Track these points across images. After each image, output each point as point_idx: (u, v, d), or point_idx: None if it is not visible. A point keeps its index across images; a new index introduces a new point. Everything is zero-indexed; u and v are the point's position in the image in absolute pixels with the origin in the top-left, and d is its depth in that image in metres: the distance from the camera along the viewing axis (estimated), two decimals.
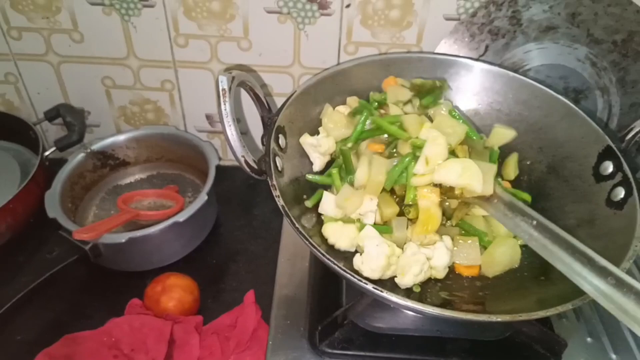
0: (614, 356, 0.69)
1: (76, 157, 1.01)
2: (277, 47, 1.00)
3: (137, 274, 0.92)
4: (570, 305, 0.52)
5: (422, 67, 0.83)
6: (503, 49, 0.92)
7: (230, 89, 0.59)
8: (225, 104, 0.57)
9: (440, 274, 0.66)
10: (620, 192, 0.65)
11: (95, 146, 1.04)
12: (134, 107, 1.12)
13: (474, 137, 0.73)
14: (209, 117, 1.13)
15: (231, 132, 0.58)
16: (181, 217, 0.89)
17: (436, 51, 0.93)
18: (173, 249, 0.95)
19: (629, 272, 0.50)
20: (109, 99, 1.10)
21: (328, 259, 0.54)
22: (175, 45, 1.00)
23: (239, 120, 1.10)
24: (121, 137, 1.07)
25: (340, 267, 0.54)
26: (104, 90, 1.08)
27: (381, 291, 0.52)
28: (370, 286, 0.52)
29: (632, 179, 0.64)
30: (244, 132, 1.12)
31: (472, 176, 0.62)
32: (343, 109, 0.77)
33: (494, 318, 0.51)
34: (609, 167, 0.68)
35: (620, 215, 0.63)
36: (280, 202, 0.59)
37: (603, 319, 0.72)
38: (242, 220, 1.05)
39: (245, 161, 0.60)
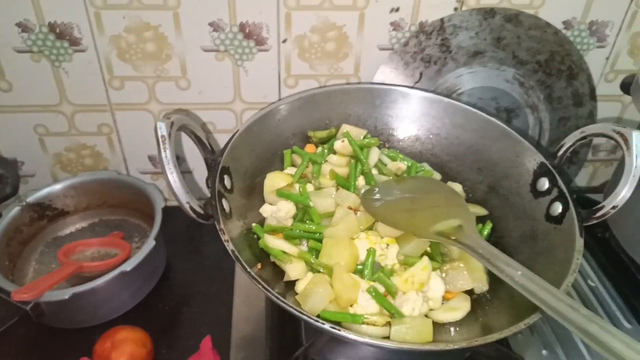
0: None
1: (11, 211, 0.95)
2: (216, 85, 0.99)
3: (84, 330, 0.87)
4: (523, 324, 0.53)
5: (360, 97, 0.85)
6: (436, 75, 0.95)
7: (169, 135, 0.57)
8: (165, 151, 0.56)
9: (437, 304, 0.66)
10: (558, 207, 0.68)
11: (31, 198, 0.99)
12: (70, 154, 1.07)
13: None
14: (151, 159, 1.10)
15: (173, 178, 0.56)
16: (128, 266, 0.85)
17: (374, 80, 0.95)
18: (121, 300, 0.90)
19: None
20: (42, 147, 1.05)
21: (284, 303, 0.53)
22: (110, 88, 0.98)
23: (181, 159, 1.08)
24: (58, 186, 1.02)
25: (296, 310, 0.53)
26: (37, 139, 1.03)
27: (338, 330, 0.51)
28: (327, 326, 0.52)
29: (567, 194, 0.67)
30: (187, 172, 1.10)
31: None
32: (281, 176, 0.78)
33: (451, 346, 0.51)
34: (545, 183, 0.71)
35: (560, 230, 0.66)
36: (229, 247, 0.58)
37: (556, 331, 0.74)
38: (192, 262, 1.02)
39: (191, 207, 0.58)
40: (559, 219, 0.67)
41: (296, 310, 0.53)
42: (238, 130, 0.73)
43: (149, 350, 0.82)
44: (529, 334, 0.74)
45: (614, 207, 0.62)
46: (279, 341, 0.70)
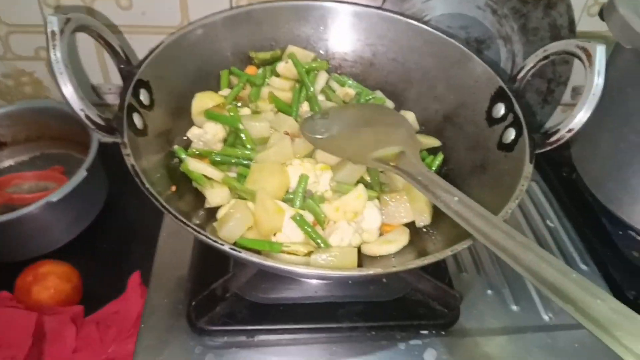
0: (514, 307, 0.66)
1: None
2: (161, 5, 0.90)
3: (9, 265, 0.81)
4: (450, 251, 0.47)
5: (310, 15, 0.77)
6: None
7: (62, 31, 0.49)
8: (54, 49, 0.48)
9: (372, 237, 0.61)
10: (511, 134, 0.61)
11: None
12: (7, 81, 0.99)
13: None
14: (95, 89, 1.02)
15: (64, 82, 0.49)
16: (55, 197, 0.79)
17: None
18: (52, 235, 0.85)
19: None
20: None
21: (186, 224, 0.46)
22: (45, 7, 0.89)
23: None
24: None
25: (199, 232, 0.47)
26: None
27: (238, 251, 0.45)
28: (226, 247, 0.45)
29: (522, 119, 0.60)
30: None
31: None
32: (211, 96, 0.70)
33: (367, 272, 0.45)
34: (501, 109, 0.64)
35: (510, 158, 0.60)
36: (130, 161, 0.51)
37: (504, 271, 0.69)
38: (137, 198, 0.96)
39: (87, 116, 0.51)
40: (510, 146, 0.60)
41: (200, 232, 0.47)
42: (161, 42, 0.65)
43: (74, 286, 0.77)
44: (475, 272, 0.69)
45: (569, 131, 0.55)
46: (203, 277, 0.64)
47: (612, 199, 0.69)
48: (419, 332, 0.60)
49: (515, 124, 0.61)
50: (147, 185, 0.49)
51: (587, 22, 0.97)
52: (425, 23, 0.78)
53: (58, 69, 0.49)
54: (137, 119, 0.58)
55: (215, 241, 0.46)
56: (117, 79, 0.96)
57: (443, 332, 0.61)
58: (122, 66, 0.60)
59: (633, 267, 0.68)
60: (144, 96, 0.61)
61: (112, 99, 1.03)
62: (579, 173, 0.75)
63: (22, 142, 0.99)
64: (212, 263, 0.65)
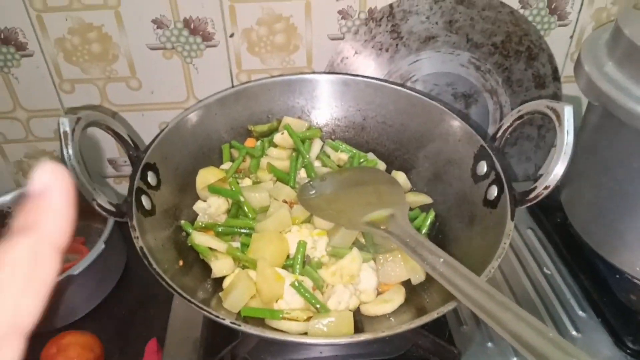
0: (515, 359, 0.67)
1: None
2: (168, 83, 0.97)
3: (34, 337, 0.85)
4: (436, 314, 0.50)
5: (302, 88, 0.83)
6: (389, 62, 0.92)
7: (74, 131, 0.56)
8: (67, 148, 0.54)
9: (369, 297, 0.64)
10: (494, 191, 0.64)
11: None
12: (30, 161, 1.07)
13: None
14: (112, 162, 1.09)
15: (76, 177, 0.55)
16: (76, 270, 0.84)
17: (326, 70, 0.93)
18: (74, 306, 0.89)
19: None
20: (2, 154, 1.05)
21: (186, 299, 0.51)
22: (61, 92, 0.97)
23: None
24: (16, 193, 1.01)
25: (198, 306, 0.51)
26: None
27: (238, 325, 0.49)
28: (227, 322, 0.49)
29: (502, 176, 0.64)
30: None
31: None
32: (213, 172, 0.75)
33: (357, 338, 0.48)
34: (484, 167, 0.68)
35: (494, 214, 0.63)
36: (138, 243, 0.56)
37: None
38: None
39: (99, 204, 0.56)
40: (494, 203, 0.64)
41: (202, 308, 0.51)
42: (166, 126, 0.72)
43: (97, 355, 0.81)
44: (475, 325, 0.71)
45: (546, 188, 0.58)
46: (213, 342, 0.67)
47: (601, 244, 0.71)
48: None
49: (497, 181, 0.64)
50: (155, 266, 0.54)
51: (571, 67, 1.01)
52: (408, 87, 0.83)
53: (70, 166, 0.55)
54: (145, 200, 0.63)
55: (217, 316, 0.50)
56: None
57: None
58: (130, 152, 0.66)
59: (629, 312, 0.69)
60: (151, 177, 0.66)
61: (128, 170, 1.10)
62: (570, 219, 0.78)
63: None
64: (222, 327, 0.68)
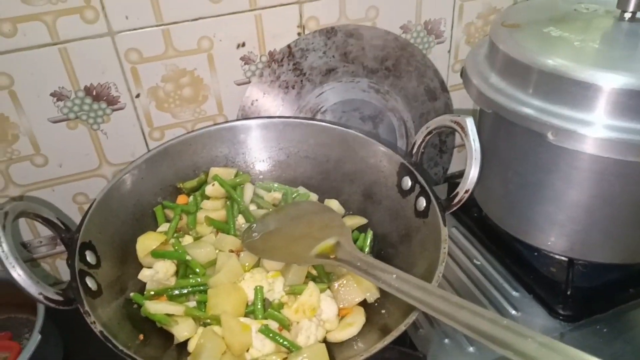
0: (471, 349, 0.74)
1: None
2: (77, 154, 0.94)
3: None
4: (403, 326, 0.54)
5: (222, 136, 0.85)
6: (297, 98, 0.97)
7: (4, 227, 0.53)
8: (1, 246, 0.52)
9: (333, 324, 0.66)
10: (423, 202, 0.71)
11: None
12: None
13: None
14: (26, 245, 1.01)
15: (17, 273, 0.52)
16: None
17: (238, 114, 0.96)
18: None
19: None
20: None
21: None
22: None
23: None
24: None
25: None
26: None
27: None
28: None
29: (427, 188, 0.70)
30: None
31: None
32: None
33: None
34: (408, 181, 0.74)
35: (428, 223, 0.69)
36: (97, 328, 0.54)
37: None
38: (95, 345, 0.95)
39: (46, 297, 0.54)
40: (425, 213, 0.70)
41: None
42: (94, 201, 0.70)
43: None
44: (430, 326, 0.77)
45: (467, 191, 0.66)
46: None
47: (516, 230, 0.80)
48: None
49: (423, 193, 0.71)
50: (120, 347, 0.52)
51: (454, 77, 1.13)
52: (321, 120, 0.89)
53: (9, 263, 0.52)
54: (90, 281, 0.61)
55: None
56: (44, 231, 0.98)
57: None
58: (63, 235, 0.63)
59: (554, 283, 0.79)
60: (90, 257, 0.64)
61: (45, 251, 1.03)
62: (486, 212, 0.87)
63: None
64: None
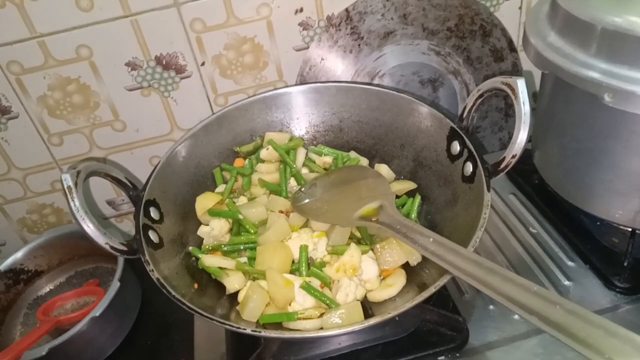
0: (516, 316, 0.72)
1: None
2: (151, 120, 1.02)
3: None
4: (433, 288, 0.55)
5: (277, 102, 0.88)
6: (354, 63, 0.98)
7: (76, 184, 0.60)
8: (74, 201, 0.59)
9: (374, 285, 0.68)
10: (469, 167, 0.70)
11: (2, 266, 1.02)
12: (32, 216, 1.11)
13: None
14: (110, 203, 1.13)
15: (87, 225, 0.59)
16: (97, 311, 0.88)
17: (297, 80, 0.98)
18: (101, 345, 0.93)
19: None
20: (4, 215, 1.09)
21: (207, 317, 0.55)
22: (51, 146, 1.01)
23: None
24: (25, 249, 1.05)
25: (219, 321, 0.55)
26: None
27: (259, 332, 0.54)
28: (248, 330, 0.54)
29: (475, 153, 0.69)
30: None
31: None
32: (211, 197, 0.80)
33: (368, 323, 0.53)
34: (457, 146, 0.73)
35: (473, 189, 0.68)
36: (154, 275, 0.60)
37: None
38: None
39: (111, 247, 0.61)
40: (471, 178, 0.69)
41: (224, 323, 0.56)
42: (158, 162, 0.76)
43: None
44: (475, 292, 0.76)
45: (514, 157, 0.64)
46: (239, 351, 0.72)
47: (576, 198, 0.76)
48: (436, 359, 0.67)
49: (470, 157, 0.70)
50: (174, 293, 0.58)
51: None
52: (375, 85, 0.89)
53: (80, 217, 0.59)
54: (152, 235, 0.68)
55: (238, 327, 0.55)
56: None
57: (458, 354, 0.68)
58: (130, 193, 0.70)
59: (613, 254, 0.75)
60: (154, 213, 0.71)
61: (127, 208, 1.14)
62: (545, 180, 0.83)
63: (57, 266, 1.09)
64: (245, 337, 0.73)
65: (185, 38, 0.93)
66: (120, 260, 0.96)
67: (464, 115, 0.73)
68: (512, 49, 1.03)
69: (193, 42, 0.94)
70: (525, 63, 1.06)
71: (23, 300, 1.05)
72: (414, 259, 0.70)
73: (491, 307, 0.74)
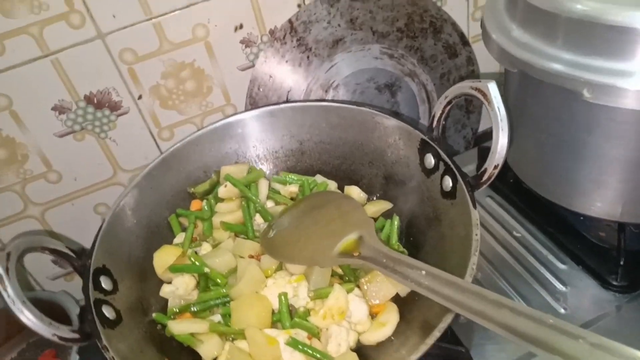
0: None
1: None
2: (89, 165, 0.92)
3: None
4: (437, 332, 0.49)
5: (228, 132, 0.81)
6: (305, 77, 0.91)
7: (7, 270, 0.51)
8: (6, 291, 0.50)
9: (365, 326, 0.62)
10: (449, 181, 0.65)
11: None
12: None
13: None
14: (56, 261, 1.02)
15: (26, 317, 0.50)
16: None
17: (246, 102, 0.90)
18: None
19: None
20: None
21: None
22: None
23: None
24: None
25: None
26: None
27: None
28: None
29: (452, 165, 0.64)
30: None
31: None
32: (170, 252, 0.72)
33: None
34: (431, 159, 0.68)
35: (456, 205, 0.63)
36: None
37: None
38: None
39: (60, 337, 0.52)
40: (452, 194, 0.64)
41: None
42: (102, 225, 0.67)
43: None
44: None
45: (496, 167, 0.59)
46: None
47: (557, 195, 0.72)
48: None
49: (448, 171, 0.65)
50: None
51: (475, 27, 1.03)
52: (335, 89, 0.82)
53: (17, 309, 0.50)
54: (107, 310, 0.59)
55: None
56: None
57: None
58: (74, 264, 0.61)
59: (604, 250, 0.72)
60: (105, 282, 0.62)
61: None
62: (521, 178, 0.79)
63: (4, 342, 0.97)
64: None
65: (116, 71, 0.84)
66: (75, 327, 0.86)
67: (434, 125, 0.67)
68: (465, 42, 0.99)
69: (125, 74, 0.85)
70: (479, 55, 1.03)
71: None
72: (404, 290, 0.64)
73: None
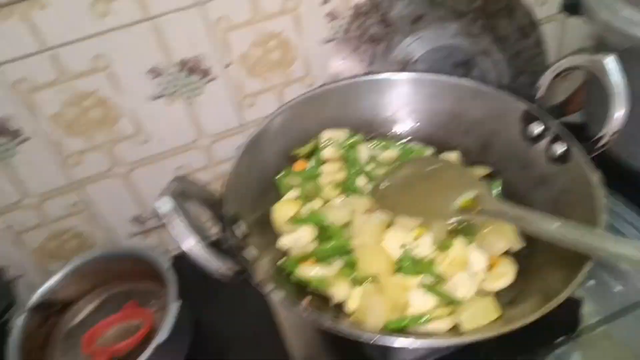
0: (619, 287, 0.72)
1: (17, 323, 0.88)
2: (175, 128, 0.95)
3: None
4: (581, 276, 0.53)
5: (327, 99, 0.84)
6: (386, 52, 0.95)
7: (174, 208, 0.54)
8: (174, 228, 0.52)
9: (484, 276, 0.65)
10: (558, 148, 0.68)
11: (31, 301, 0.92)
12: (52, 242, 1.01)
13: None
14: (137, 219, 1.05)
15: (196, 252, 0.53)
16: (162, 336, 0.81)
17: (328, 74, 0.94)
18: None
19: None
20: (20, 245, 0.98)
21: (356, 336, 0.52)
22: (69, 166, 0.92)
23: None
24: (53, 280, 0.94)
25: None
26: (10, 240, 0.96)
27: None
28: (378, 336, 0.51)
29: (566, 134, 0.67)
30: None
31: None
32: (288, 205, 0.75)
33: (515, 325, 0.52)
34: (536, 128, 0.72)
35: (568, 169, 0.66)
36: (277, 295, 0.56)
37: None
38: (217, 308, 0.98)
39: (222, 275, 0.55)
40: (563, 159, 0.68)
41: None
42: (230, 174, 0.70)
43: None
44: None
45: (614, 134, 0.63)
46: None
47: None
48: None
49: (558, 138, 0.69)
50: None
51: (543, 10, 1.07)
52: (414, 65, 0.88)
53: (186, 243, 0.53)
54: (249, 251, 0.62)
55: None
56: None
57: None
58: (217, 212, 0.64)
59: None
60: (241, 228, 0.65)
61: (153, 223, 1.06)
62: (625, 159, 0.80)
63: (88, 293, 1.00)
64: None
65: (210, 38, 0.87)
66: (171, 277, 0.88)
67: (537, 97, 0.72)
68: (534, 24, 1.04)
69: (218, 42, 0.88)
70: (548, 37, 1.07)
71: (58, 334, 0.96)
72: (514, 246, 0.68)
73: (591, 282, 0.74)
